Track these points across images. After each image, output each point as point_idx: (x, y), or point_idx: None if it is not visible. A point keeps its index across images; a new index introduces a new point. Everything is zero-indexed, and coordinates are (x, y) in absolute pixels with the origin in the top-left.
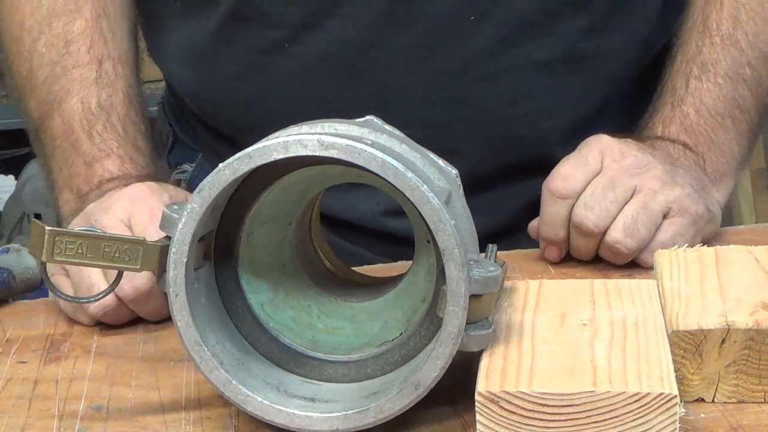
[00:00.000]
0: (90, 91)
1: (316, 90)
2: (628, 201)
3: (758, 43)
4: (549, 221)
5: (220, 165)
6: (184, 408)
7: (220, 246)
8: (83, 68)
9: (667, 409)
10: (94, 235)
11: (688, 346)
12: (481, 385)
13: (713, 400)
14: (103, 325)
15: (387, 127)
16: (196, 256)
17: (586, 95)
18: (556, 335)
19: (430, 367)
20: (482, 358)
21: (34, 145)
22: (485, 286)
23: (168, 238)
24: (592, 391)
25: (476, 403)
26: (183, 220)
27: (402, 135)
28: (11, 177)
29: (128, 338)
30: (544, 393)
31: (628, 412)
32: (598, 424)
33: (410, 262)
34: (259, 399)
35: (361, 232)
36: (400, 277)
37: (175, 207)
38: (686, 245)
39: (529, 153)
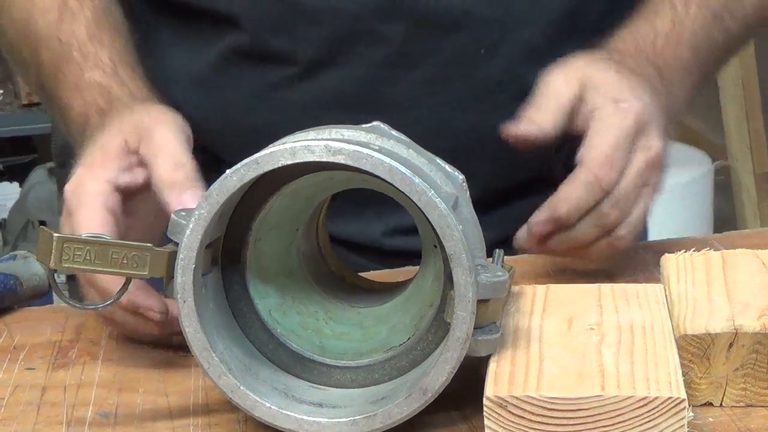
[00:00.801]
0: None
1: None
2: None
3: None
4: (576, 207)
5: (228, 171)
6: (192, 414)
7: (227, 252)
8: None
9: (676, 413)
10: (102, 242)
11: (695, 350)
12: (490, 390)
13: (721, 404)
14: (111, 331)
15: (393, 132)
16: (204, 262)
17: None
18: (563, 340)
19: (438, 371)
20: (490, 363)
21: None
22: (493, 291)
23: (175, 244)
24: (600, 396)
25: (485, 408)
26: (191, 226)
27: (408, 140)
28: (15, 184)
29: (136, 345)
30: (553, 397)
31: (637, 416)
32: (606, 428)
33: (417, 267)
34: (267, 404)
35: (370, 251)
36: (407, 282)
37: (183, 213)
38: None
39: (533, 173)
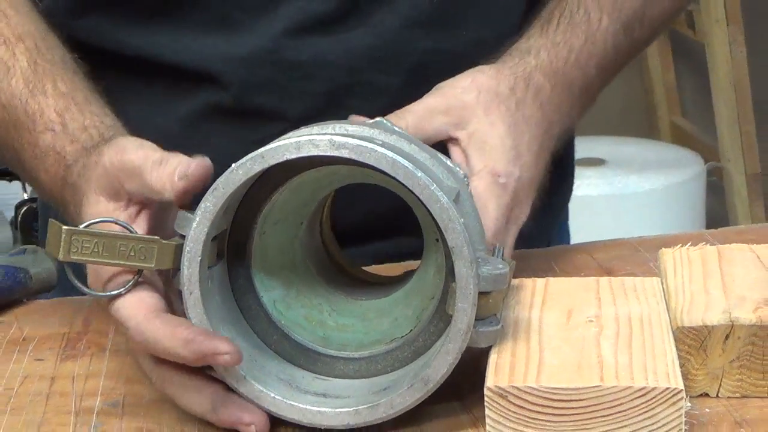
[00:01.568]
0: None
1: None
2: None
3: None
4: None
5: (234, 165)
6: None
7: (232, 245)
8: None
9: (674, 403)
10: (110, 235)
11: (692, 342)
12: (491, 381)
13: (717, 395)
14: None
15: (396, 128)
16: (210, 255)
17: None
18: (562, 332)
19: (440, 363)
20: (491, 354)
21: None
22: (494, 283)
23: (182, 237)
24: (599, 386)
25: (486, 398)
26: (197, 219)
27: (410, 136)
28: (17, 184)
29: None
30: (553, 388)
31: (635, 407)
32: (605, 419)
33: (419, 261)
34: (272, 395)
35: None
36: (409, 274)
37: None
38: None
39: None
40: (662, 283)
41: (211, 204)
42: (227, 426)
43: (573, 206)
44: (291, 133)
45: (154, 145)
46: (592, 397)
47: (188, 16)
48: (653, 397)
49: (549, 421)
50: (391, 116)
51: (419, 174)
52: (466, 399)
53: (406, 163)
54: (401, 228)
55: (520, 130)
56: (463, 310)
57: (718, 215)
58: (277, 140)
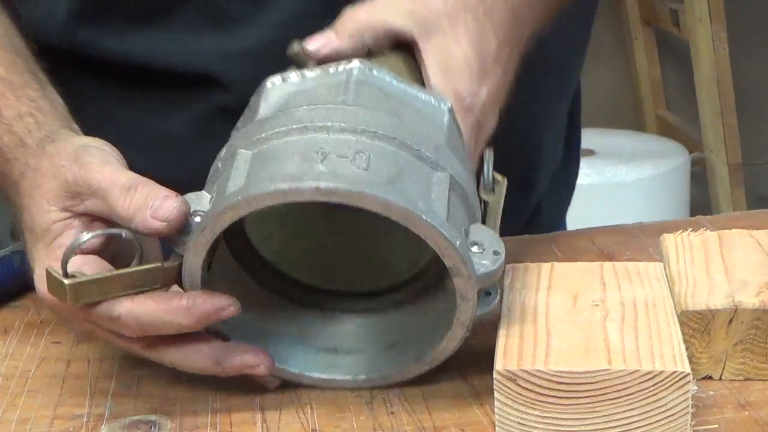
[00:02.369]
0: None
1: None
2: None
3: None
4: (469, 141)
5: (221, 207)
6: (212, 384)
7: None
8: None
9: (681, 386)
10: (114, 276)
11: (696, 326)
12: (499, 364)
13: (721, 378)
14: None
15: (375, 72)
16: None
17: None
18: (569, 315)
19: (444, 346)
20: (499, 338)
21: None
22: (491, 278)
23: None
24: (608, 369)
25: (494, 381)
26: (191, 252)
27: (388, 80)
28: None
29: None
30: (561, 371)
31: (642, 390)
32: (612, 402)
33: None
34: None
35: None
36: None
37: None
38: None
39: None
40: (665, 268)
41: (203, 239)
42: (235, 373)
43: None
44: (275, 123)
45: (119, 160)
46: (600, 381)
47: (182, 17)
48: (661, 381)
49: (556, 404)
50: (359, 8)
51: (416, 212)
52: (472, 379)
53: (398, 202)
54: None
55: (487, 39)
56: (465, 311)
57: (701, 203)
58: (265, 171)
